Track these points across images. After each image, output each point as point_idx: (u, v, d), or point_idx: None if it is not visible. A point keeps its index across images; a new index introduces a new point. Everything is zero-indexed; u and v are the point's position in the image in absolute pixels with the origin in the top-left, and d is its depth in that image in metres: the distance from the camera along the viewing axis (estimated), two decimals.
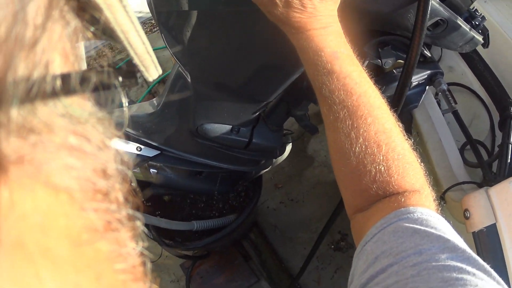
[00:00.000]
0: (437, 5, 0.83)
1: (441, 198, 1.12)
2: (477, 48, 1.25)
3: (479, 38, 1.00)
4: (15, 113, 0.17)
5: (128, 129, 1.23)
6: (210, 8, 0.93)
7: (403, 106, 1.10)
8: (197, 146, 1.30)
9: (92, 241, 0.22)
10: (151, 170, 1.33)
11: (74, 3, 0.21)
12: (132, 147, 1.22)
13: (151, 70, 0.28)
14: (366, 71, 0.65)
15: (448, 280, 0.43)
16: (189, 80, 1.15)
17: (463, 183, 1.09)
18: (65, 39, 0.21)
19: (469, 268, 0.44)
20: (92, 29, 0.24)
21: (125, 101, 0.28)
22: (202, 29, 0.99)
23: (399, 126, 0.63)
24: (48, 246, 0.19)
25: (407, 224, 0.52)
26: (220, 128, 1.24)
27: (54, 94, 0.19)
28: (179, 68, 1.18)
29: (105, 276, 0.23)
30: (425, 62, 1.16)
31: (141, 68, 0.27)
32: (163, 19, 1.04)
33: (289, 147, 1.62)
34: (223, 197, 1.70)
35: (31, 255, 0.19)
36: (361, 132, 0.60)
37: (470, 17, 1.04)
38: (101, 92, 0.22)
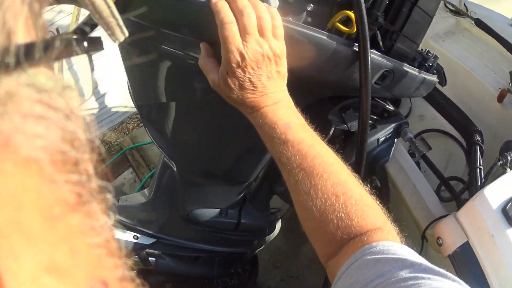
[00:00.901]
0: (379, 58, 0.88)
1: (423, 237, 1.16)
2: (443, 87, 1.34)
3: (432, 78, 1.07)
4: None
5: (124, 219, 1.28)
6: (185, 98, 1.01)
7: (375, 161, 1.17)
8: (191, 231, 1.35)
9: (64, 214, 0.22)
10: (150, 258, 1.36)
11: None
12: (129, 236, 1.27)
13: (117, 33, 0.28)
14: (318, 135, 0.72)
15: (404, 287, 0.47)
16: (175, 169, 1.22)
17: (439, 218, 1.14)
18: (27, 6, 0.21)
19: (424, 275, 0.49)
20: None
21: (90, 67, 0.29)
22: (182, 119, 1.07)
23: (354, 176, 0.69)
24: (20, 220, 0.19)
25: (370, 257, 0.57)
26: (209, 212, 1.30)
27: (18, 64, 0.19)
28: (165, 159, 1.26)
29: (79, 250, 0.23)
30: (389, 116, 1.23)
31: (107, 31, 0.27)
32: (145, 113, 1.12)
33: (278, 224, 1.66)
34: (223, 280, 1.71)
35: (3, 229, 0.18)
36: (319, 188, 0.66)
37: (423, 60, 1.11)
38: (65, 59, 0.22)
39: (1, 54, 0.18)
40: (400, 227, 0.66)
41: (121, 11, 0.71)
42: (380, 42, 0.92)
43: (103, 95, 3.43)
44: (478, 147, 1.25)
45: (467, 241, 0.99)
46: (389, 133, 1.20)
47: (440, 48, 2.02)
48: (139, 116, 3.54)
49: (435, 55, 1.16)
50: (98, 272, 0.25)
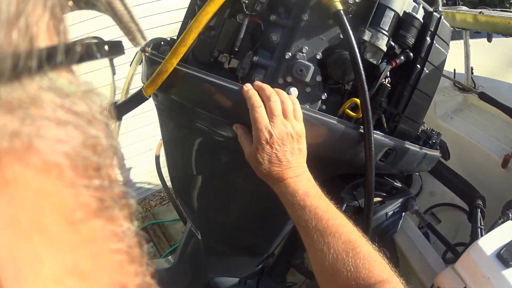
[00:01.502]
0: (382, 138, 1.00)
1: None
2: (452, 161, 1.42)
3: (435, 153, 1.18)
4: (2, 89, 0.18)
5: None
6: (213, 173, 1.13)
7: (384, 233, 1.25)
8: None
9: (86, 219, 0.22)
10: None
11: None
12: None
13: (137, 37, 0.28)
14: (333, 203, 0.83)
15: None
16: (200, 237, 1.32)
17: None
18: (48, 11, 0.21)
19: None
20: None
21: (112, 71, 0.30)
22: (209, 192, 1.18)
23: (363, 236, 0.78)
24: (43, 224, 0.19)
25: None
26: (229, 281, 1.37)
27: (40, 68, 0.19)
28: (191, 228, 1.36)
29: (101, 255, 0.23)
30: (397, 192, 1.33)
31: (128, 36, 0.27)
32: (176, 184, 1.25)
33: None
34: None
35: (27, 233, 0.19)
36: (331, 245, 0.75)
37: (427, 138, 1.23)
38: (87, 62, 0.22)
39: (24, 58, 0.18)
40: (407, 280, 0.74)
41: (164, 90, 0.84)
42: (385, 124, 1.04)
43: (129, 169, 3.50)
44: (479, 210, 1.33)
45: (465, 286, 1.06)
46: (397, 207, 1.29)
47: (448, 126, 2.13)
48: (162, 195, 3.64)
49: (438, 132, 1.27)
50: (119, 277, 0.25)
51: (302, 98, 0.95)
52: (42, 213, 0.19)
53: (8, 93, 0.18)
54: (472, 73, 2.40)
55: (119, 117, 0.95)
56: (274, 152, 0.82)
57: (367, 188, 0.96)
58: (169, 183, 1.50)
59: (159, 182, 2.28)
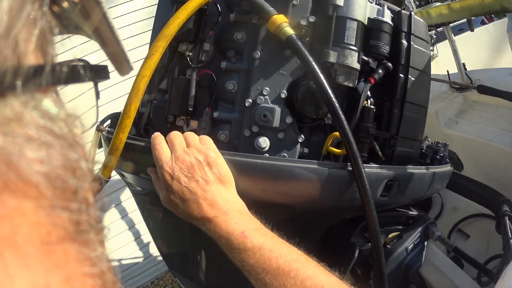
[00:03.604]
0: (377, 170, 0.85)
1: None
2: (468, 169, 1.28)
3: (445, 168, 1.03)
4: None
5: None
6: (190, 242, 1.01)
7: (408, 270, 1.09)
8: None
9: (61, 241, 0.22)
10: None
11: None
12: None
13: (124, 67, 0.28)
14: (276, 234, 0.71)
15: None
16: None
17: None
18: (38, 32, 0.21)
19: None
20: (64, 23, 0.25)
21: (96, 95, 0.29)
22: (211, 265, 1.06)
23: (320, 266, 0.67)
24: (17, 242, 0.19)
25: None
26: None
27: (25, 86, 0.19)
28: None
29: (74, 279, 0.23)
30: (415, 221, 1.17)
31: (114, 64, 0.28)
32: (174, 265, 1.12)
33: None
34: None
35: None
36: (288, 286, 0.64)
37: (434, 153, 1.09)
38: (72, 84, 0.22)
39: (10, 75, 0.18)
40: None
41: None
42: (379, 152, 0.91)
43: (147, 244, 3.47)
44: (507, 218, 1.20)
45: None
46: (417, 238, 1.14)
47: (456, 132, 2.03)
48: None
49: (444, 143, 1.14)
50: None
51: (277, 147, 0.82)
52: (17, 231, 0.19)
53: None
54: (465, 69, 2.28)
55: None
56: (184, 187, 0.71)
57: (371, 234, 0.81)
58: None
59: None
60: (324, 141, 0.87)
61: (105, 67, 0.25)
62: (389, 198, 0.88)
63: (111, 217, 3.18)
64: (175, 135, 0.76)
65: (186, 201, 0.71)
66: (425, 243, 1.17)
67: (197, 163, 0.72)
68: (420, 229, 1.13)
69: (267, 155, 0.82)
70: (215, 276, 1.08)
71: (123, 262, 3.38)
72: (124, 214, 3.25)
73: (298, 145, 0.85)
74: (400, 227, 1.13)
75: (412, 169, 0.92)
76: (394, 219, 1.06)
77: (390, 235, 1.06)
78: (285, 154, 0.83)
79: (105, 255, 0.25)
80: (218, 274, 1.08)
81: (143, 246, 3.45)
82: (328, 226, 0.96)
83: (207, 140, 0.76)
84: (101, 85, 0.28)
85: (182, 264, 1.12)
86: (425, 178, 0.96)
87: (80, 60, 0.24)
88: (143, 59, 0.77)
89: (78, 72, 0.23)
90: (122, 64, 0.28)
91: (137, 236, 3.33)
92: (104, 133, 1.03)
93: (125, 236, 3.34)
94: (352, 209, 0.86)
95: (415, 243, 1.12)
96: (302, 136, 0.85)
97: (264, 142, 0.80)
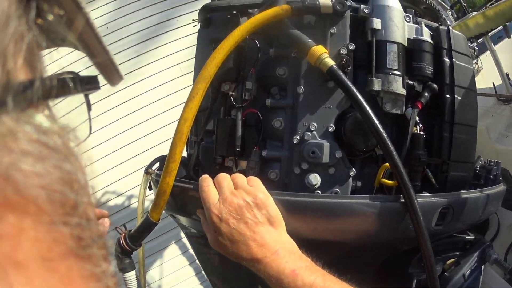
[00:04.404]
0: (431, 199, 0.82)
1: None
2: None
3: (498, 188, 0.99)
4: None
5: None
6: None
7: None
8: None
9: (63, 257, 0.21)
10: None
11: (34, 12, 0.22)
12: None
13: (113, 77, 0.28)
14: (328, 271, 0.69)
15: None
16: None
17: None
18: (25, 47, 0.21)
19: None
20: (51, 36, 0.24)
21: (87, 107, 0.29)
22: None
23: None
24: (19, 259, 0.19)
25: None
26: None
27: (16, 102, 0.19)
28: None
29: None
30: (471, 246, 1.13)
31: (104, 75, 0.27)
32: None
33: None
34: None
35: (2, 267, 0.18)
36: None
37: (488, 173, 1.06)
38: (63, 97, 0.22)
39: (1, 92, 0.18)
40: None
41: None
42: (433, 179, 0.88)
43: (207, 280, 3.45)
44: None
45: None
46: (474, 263, 1.10)
47: (508, 147, 1.95)
48: None
49: (496, 161, 1.11)
50: None
51: (328, 183, 0.81)
52: (18, 248, 0.19)
53: None
54: (509, 79, 2.21)
55: (136, 246, 0.85)
56: (233, 228, 0.70)
57: (426, 266, 0.78)
58: None
59: None
60: (377, 173, 0.85)
61: (95, 77, 0.25)
62: (444, 226, 0.85)
63: (172, 252, 3.19)
64: (223, 177, 0.76)
65: (235, 243, 0.71)
66: (482, 267, 1.12)
67: (246, 204, 0.71)
68: (476, 253, 1.09)
69: (319, 192, 0.81)
70: None
71: None
72: (184, 250, 3.25)
73: (350, 179, 0.83)
74: (458, 252, 1.09)
75: (465, 193, 0.89)
76: (451, 245, 1.02)
77: (448, 262, 1.02)
78: (338, 190, 0.81)
79: (110, 270, 0.25)
80: None
81: (204, 281, 3.40)
82: (382, 259, 0.93)
83: (256, 181, 0.76)
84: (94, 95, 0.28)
85: None
86: (479, 201, 0.92)
87: (69, 72, 0.24)
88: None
89: (67, 84, 0.23)
90: (112, 74, 0.28)
91: (197, 271, 3.31)
92: (153, 175, 1.04)
93: (186, 271, 3.33)
94: (407, 241, 0.83)
95: (472, 268, 1.08)
96: (354, 169, 0.83)
97: (315, 179, 0.79)
